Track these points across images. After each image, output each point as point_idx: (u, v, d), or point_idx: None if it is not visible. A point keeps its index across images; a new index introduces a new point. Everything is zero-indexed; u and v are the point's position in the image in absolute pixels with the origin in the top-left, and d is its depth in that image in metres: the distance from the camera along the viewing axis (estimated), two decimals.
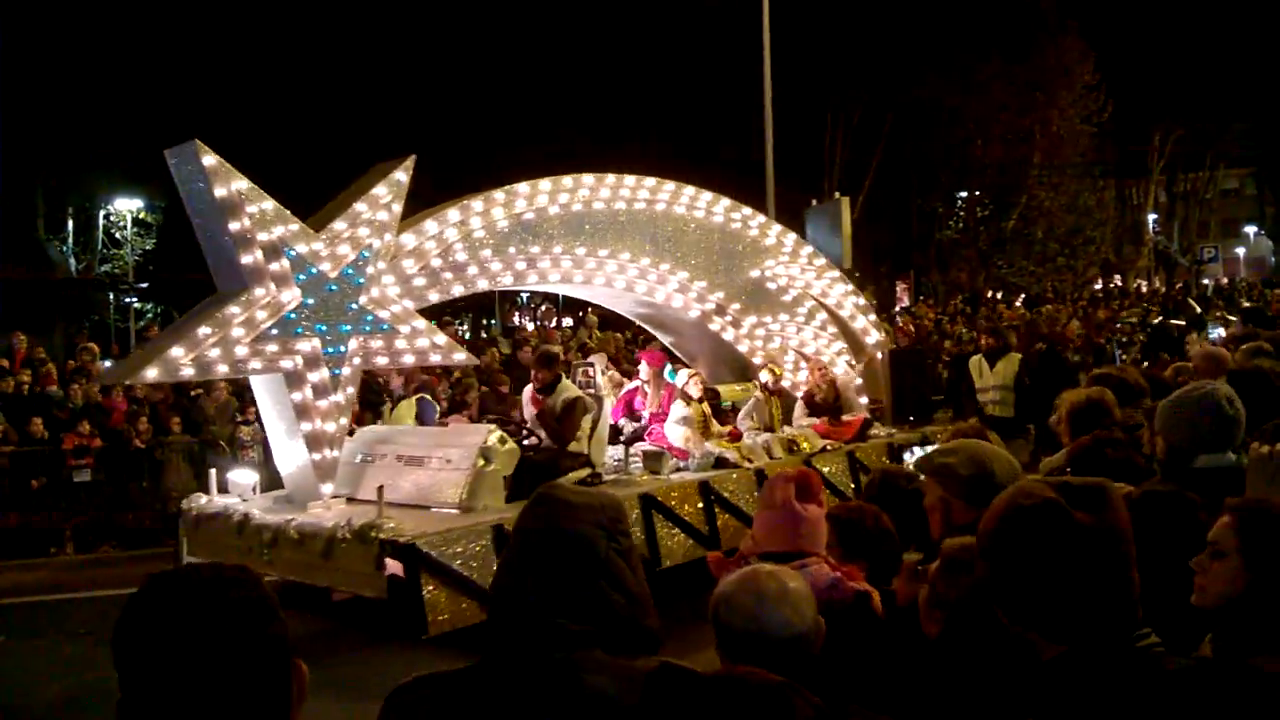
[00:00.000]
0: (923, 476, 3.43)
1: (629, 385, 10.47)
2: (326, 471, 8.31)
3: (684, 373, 10.02)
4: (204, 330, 7.75)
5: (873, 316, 12.38)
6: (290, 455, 8.37)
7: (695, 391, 9.85)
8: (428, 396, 10.24)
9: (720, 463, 9.33)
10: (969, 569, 2.49)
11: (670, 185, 10.41)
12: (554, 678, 1.92)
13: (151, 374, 7.70)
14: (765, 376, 10.48)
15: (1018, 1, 34.26)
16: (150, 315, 35.34)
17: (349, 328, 8.27)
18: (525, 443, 8.58)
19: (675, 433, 9.67)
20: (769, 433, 10.16)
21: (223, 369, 7.89)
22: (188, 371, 7.75)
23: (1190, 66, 36.89)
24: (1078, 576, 1.91)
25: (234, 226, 7.84)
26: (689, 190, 10.56)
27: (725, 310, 10.78)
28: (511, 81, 33.48)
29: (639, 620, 2.05)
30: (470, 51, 33.93)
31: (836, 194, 30.05)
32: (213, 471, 8.85)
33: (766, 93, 26.03)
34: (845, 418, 10.92)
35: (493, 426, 8.48)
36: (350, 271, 8.29)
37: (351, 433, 9.20)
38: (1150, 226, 46.16)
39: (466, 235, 9.01)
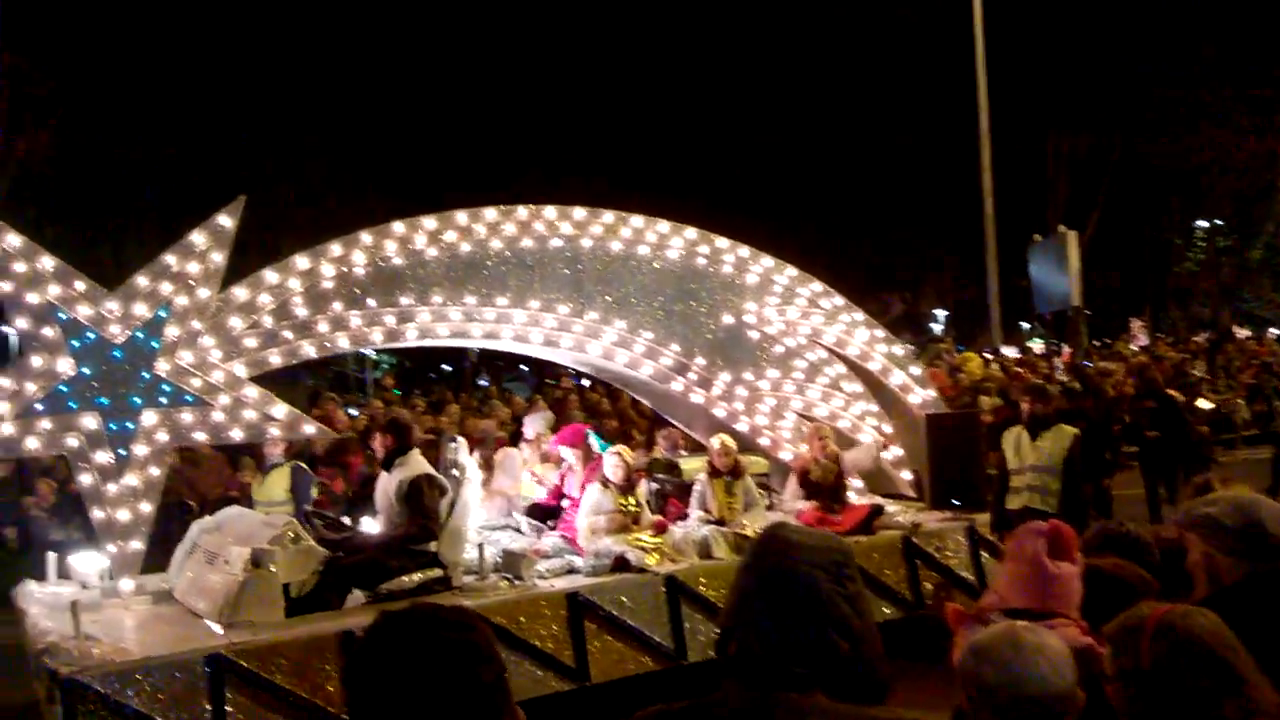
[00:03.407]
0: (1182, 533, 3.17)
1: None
2: (125, 565, 7.15)
3: (610, 450, 8.11)
4: None
5: (916, 369, 9.83)
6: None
7: (614, 474, 7.90)
8: (303, 465, 8.88)
9: (620, 565, 7.36)
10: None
11: (607, 216, 8.55)
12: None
13: None
14: (715, 444, 8.35)
15: (1251, 23, 29.71)
16: (386, 365, 36.66)
17: (140, 400, 7.09)
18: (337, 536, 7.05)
19: (582, 525, 7.81)
20: (716, 524, 8.04)
21: None
22: None
23: None
24: None
25: (3, 287, 6.88)
26: (635, 221, 8.65)
27: (687, 367, 8.75)
28: (687, 107, 31.93)
29: (865, 666, 2.00)
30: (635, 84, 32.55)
31: (1061, 228, 26.76)
32: (51, 555, 7.91)
33: (983, 125, 23.50)
34: (852, 502, 8.59)
35: (290, 520, 7.02)
36: (142, 335, 7.11)
37: None
38: None
39: (312, 286, 7.64)
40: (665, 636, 7.16)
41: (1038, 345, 32.71)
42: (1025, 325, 35.19)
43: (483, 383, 37.60)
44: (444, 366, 40.45)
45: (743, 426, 8.96)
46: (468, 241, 8.03)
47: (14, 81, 21.42)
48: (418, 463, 7.26)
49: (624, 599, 7.11)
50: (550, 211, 8.36)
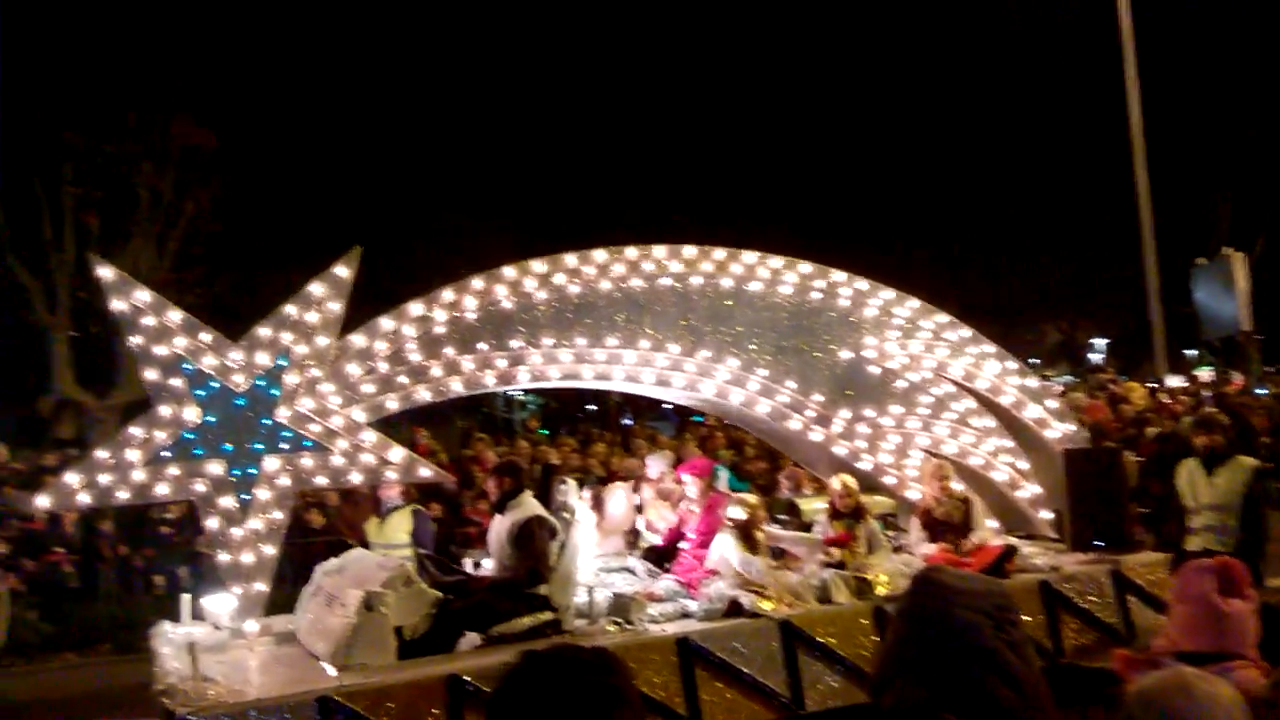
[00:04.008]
0: None
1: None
2: (250, 607, 7.35)
3: (737, 498, 7.91)
4: (101, 454, 7.16)
5: (1053, 402, 9.28)
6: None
7: (738, 513, 7.71)
8: (422, 509, 8.97)
9: (734, 610, 7.15)
10: None
11: (718, 253, 8.42)
12: None
13: (43, 502, 7.22)
14: (836, 484, 8.06)
15: None
16: (532, 407, 37.27)
17: (263, 446, 7.31)
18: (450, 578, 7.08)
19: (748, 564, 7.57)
20: (837, 568, 7.73)
21: (123, 495, 7.18)
22: (84, 499, 7.16)
23: None
24: None
25: (134, 341, 7.23)
26: (747, 257, 8.49)
27: (805, 404, 8.50)
28: (846, 142, 31.47)
29: (1032, 717, 1.93)
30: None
31: (1226, 250, 25.20)
32: (185, 596, 8.18)
33: (1137, 146, 22.47)
34: (974, 542, 8.15)
35: (402, 562, 7.07)
36: (263, 383, 7.34)
37: None
38: None
39: (425, 332, 7.76)
40: (781, 685, 6.91)
41: (1205, 373, 30.88)
42: (1192, 353, 33.30)
43: (627, 421, 37.81)
44: (588, 406, 40.86)
45: (865, 465, 8.65)
46: (577, 283, 8.04)
47: (182, 142, 22.76)
48: (530, 505, 7.24)
49: (737, 645, 6.90)
50: (660, 250, 8.30)
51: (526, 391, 35.97)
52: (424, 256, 25.03)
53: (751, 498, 8.11)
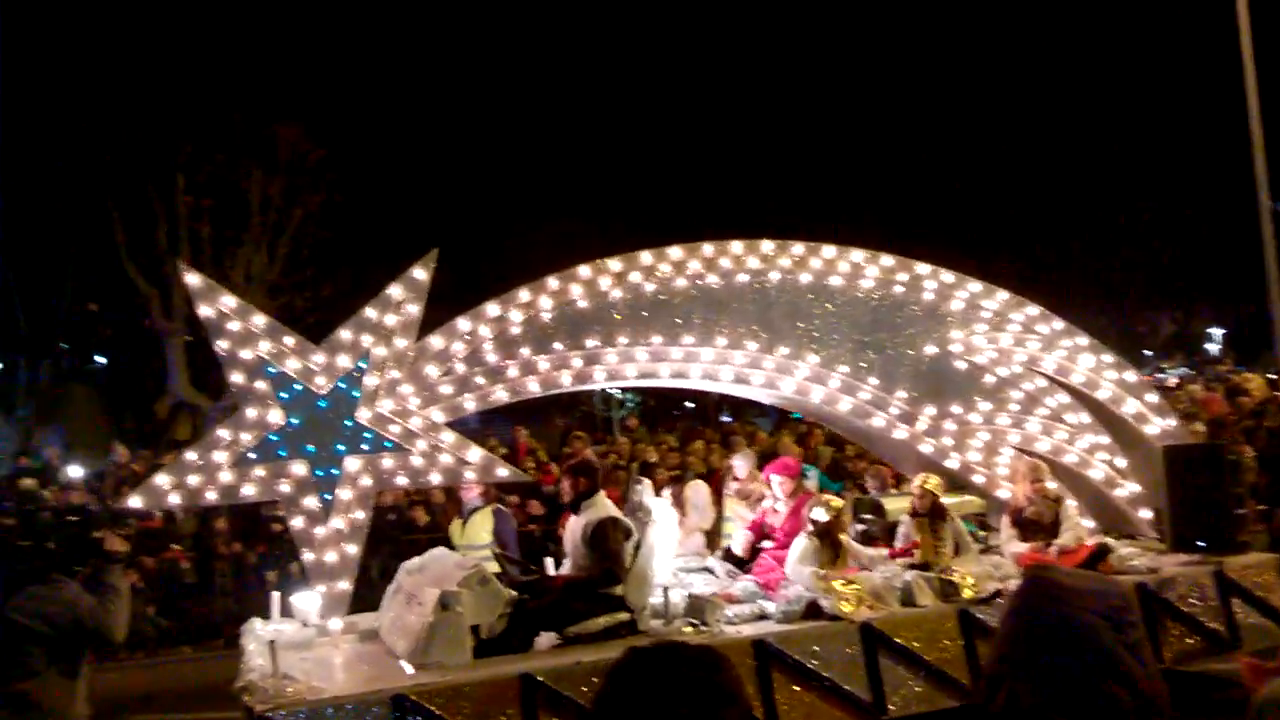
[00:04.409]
0: None
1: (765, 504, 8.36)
2: (334, 605, 7.49)
3: (820, 499, 7.76)
4: (190, 455, 7.38)
5: (1153, 396, 8.87)
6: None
7: (821, 515, 7.55)
8: (503, 508, 9.01)
9: (813, 611, 7.01)
10: None
11: (796, 248, 8.25)
12: None
13: (134, 501, 7.46)
14: (915, 484, 7.84)
15: None
16: (631, 404, 37.40)
17: (344, 447, 7.43)
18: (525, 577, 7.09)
19: (800, 574, 7.44)
20: (920, 569, 7.52)
21: (211, 495, 7.39)
22: (174, 499, 7.39)
23: None
24: None
25: (220, 345, 7.42)
26: (826, 251, 8.30)
27: (888, 401, 8.29)
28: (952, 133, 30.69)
29: None
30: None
31: None
32: (275, 594, 8.39)
33: (1255, 131, 21.53)
34: (1064, 541, 7.84)
35: (478, 562, 7.11)
36: (344, 385, 7.47)
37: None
38: None
39: (502, 332, 7.79)
40: (862, 689, 6.75)
41: None
42: None
43: (726, 419, 37.45)
44: (687, 404, 40.71)
45: (952, 463, 8.40)
46: (652, 281, 7.99)
47: (290, 150, 23.40)
48: (604, 505, 7.22)
49: (815, 648, 6.76)
50: (736, 246, 8.19)
51: (624, 389, 36.08)
52: (524, 257, 25.35)
53: (837, 500, 7.95)
